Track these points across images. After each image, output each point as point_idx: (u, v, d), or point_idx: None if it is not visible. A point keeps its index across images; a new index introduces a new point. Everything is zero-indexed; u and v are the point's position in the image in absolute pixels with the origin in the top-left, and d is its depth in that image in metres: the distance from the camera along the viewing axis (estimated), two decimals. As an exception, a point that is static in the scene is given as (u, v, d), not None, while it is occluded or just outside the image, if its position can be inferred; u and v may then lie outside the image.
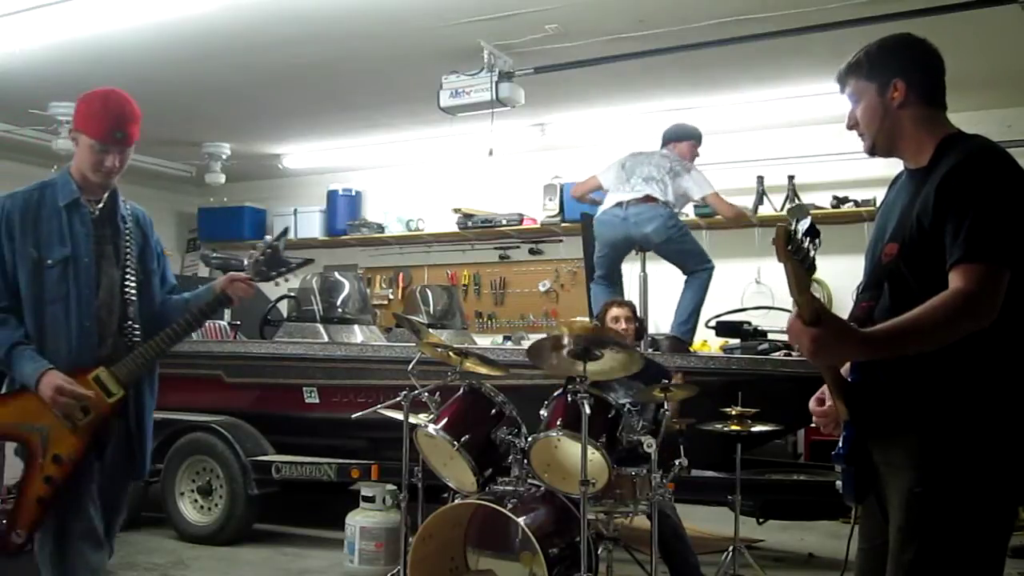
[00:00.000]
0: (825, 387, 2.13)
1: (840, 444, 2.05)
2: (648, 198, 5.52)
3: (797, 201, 7.16)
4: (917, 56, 2.10)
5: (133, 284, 2.89)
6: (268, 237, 3.07)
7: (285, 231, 3.17)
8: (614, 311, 4.68)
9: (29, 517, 2.77)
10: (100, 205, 2.88)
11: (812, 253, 1.75)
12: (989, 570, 1.93)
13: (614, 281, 5.91)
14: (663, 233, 5.51)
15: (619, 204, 5.62)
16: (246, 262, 3.03)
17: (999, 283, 1.87)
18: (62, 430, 2.76)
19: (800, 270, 1.73)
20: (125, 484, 3.04)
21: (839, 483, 2.13)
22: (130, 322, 2.88)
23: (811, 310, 1.81)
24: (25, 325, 2.75)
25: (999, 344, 1.89)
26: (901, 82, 2.05)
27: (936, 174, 1.96)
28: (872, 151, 2.15)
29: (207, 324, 5.89)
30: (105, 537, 2.90)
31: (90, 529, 2.81)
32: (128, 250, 2.90)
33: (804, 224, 1.75)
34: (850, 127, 2.17)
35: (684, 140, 5.82)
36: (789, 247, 1.69)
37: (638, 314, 4.92)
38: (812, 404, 2.18)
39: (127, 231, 2.91)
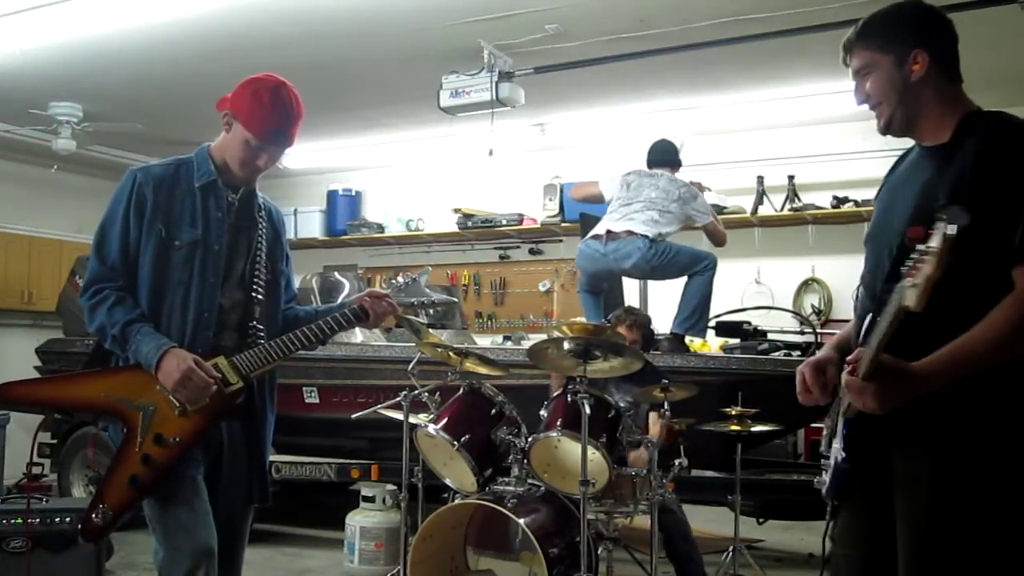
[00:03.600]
0: (823, 356, 2.06)
1: (838, 443, 1.97)
2: (629, 232, 5.34)
3: (799, 201, 7.14)
4: (937, 24, 1.95)
5: (262, 282, 2.66)
6: (410, 273, 3.08)
7: (428, 270, 3.23)
8: (621, 332, 4.60)
9: (118, 497, 2.46)
10: (237, 194, 2.64)
11: None
12: None
13: (599, 292, 5.85)
14: (644, 265, 5.37)
15: (598, 237, 5.46)
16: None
17: None
18: (169, 412, 2.47)
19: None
20: (246, 510, 2.71)
21: (818, 480, 2.07)
22: (255, 322, 2.64)
23: (872, 364, 1.71)
24: (141, 307, 2.51)
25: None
26: (923, 53, 1.89)
27: (965, 152, 1.81)
28: (888, 128, 1.98)
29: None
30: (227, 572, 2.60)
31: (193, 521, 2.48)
32: (260, 245, 2.67)
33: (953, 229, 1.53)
34: (861, 102, 2.00)
35: (678, 165, 5.70)
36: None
37: (648, 324, 4.80)
38: (807, 369, 2.02)
39: (262, 225, 2.69)
